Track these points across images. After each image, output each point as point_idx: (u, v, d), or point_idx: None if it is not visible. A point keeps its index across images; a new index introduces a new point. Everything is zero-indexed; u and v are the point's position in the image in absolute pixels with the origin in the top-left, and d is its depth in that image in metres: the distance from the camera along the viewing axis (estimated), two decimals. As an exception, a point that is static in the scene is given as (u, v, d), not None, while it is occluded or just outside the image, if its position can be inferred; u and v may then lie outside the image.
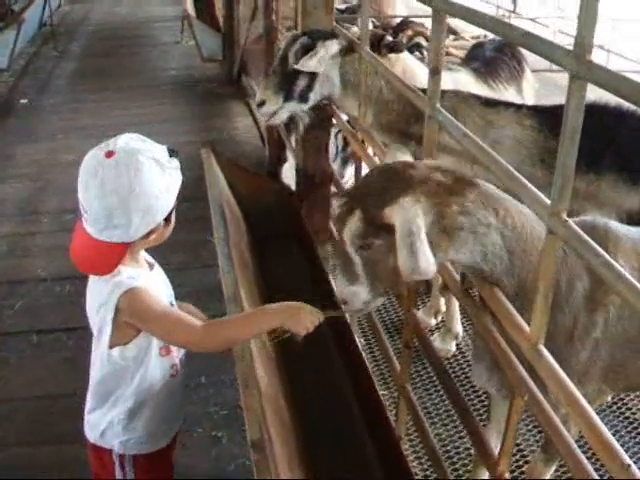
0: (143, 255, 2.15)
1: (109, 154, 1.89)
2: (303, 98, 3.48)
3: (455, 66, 4.28)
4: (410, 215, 1.86)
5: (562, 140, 1.55)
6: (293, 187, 4.79)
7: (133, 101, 8.03)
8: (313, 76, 3.41)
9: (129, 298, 1.95)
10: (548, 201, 1.66)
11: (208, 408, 3.37)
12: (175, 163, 1.99)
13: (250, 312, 2.23)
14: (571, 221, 1.60)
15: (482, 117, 3.17)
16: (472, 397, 3.57)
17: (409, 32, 5.32)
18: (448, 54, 5.93)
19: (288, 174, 5.22)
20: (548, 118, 3.14)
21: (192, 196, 4.87)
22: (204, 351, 2.07)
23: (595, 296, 2.07)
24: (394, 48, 3.76)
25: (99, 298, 1.99)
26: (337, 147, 4.79)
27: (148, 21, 12.69)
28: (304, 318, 2.00)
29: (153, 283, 2.09)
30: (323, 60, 3.33)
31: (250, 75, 7.89)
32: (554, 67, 7.74)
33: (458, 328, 3.92)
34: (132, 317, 1.97)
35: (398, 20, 5.81)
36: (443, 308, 4.06)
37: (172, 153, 1.99)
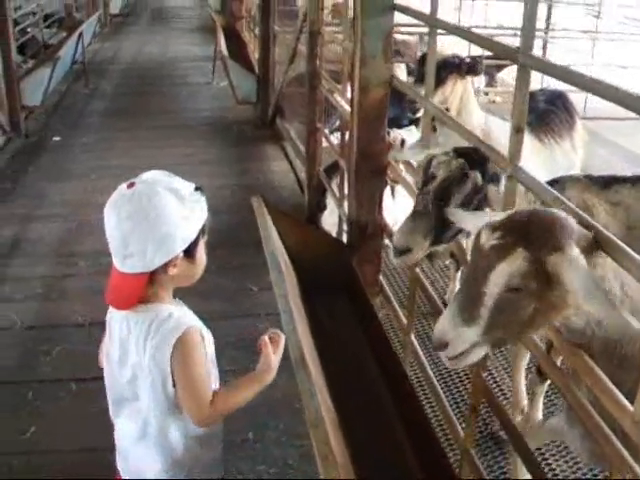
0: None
1: (130, 185, 1.95)
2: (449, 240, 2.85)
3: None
4: (582, 265, 1.73)
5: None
6: (334, 234, 4.71)
7: (166, 141, 7.99)
8: None
9: (185, 338, 1.97)
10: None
11: (256, 466, 3.25)
12: (197, 197, 2.00)
13: (245, 380, 2.14)
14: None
15: (607, 201, 2.99)
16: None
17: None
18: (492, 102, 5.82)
19: (328, 221, 5.13)
20: None
21: (232, 242, 4.82)
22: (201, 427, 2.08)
23: None
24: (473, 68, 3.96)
25: (151, 343, 1.97)
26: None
27: (177, 61, 12.78)
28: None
29: None
30: None
31: (285, 118, 7.87)
32: (587, 114, 7.75)
33: (524, 403, 3.68)
34: (180, 358, 1.98)
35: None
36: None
37: (197, 189, 2.02)
